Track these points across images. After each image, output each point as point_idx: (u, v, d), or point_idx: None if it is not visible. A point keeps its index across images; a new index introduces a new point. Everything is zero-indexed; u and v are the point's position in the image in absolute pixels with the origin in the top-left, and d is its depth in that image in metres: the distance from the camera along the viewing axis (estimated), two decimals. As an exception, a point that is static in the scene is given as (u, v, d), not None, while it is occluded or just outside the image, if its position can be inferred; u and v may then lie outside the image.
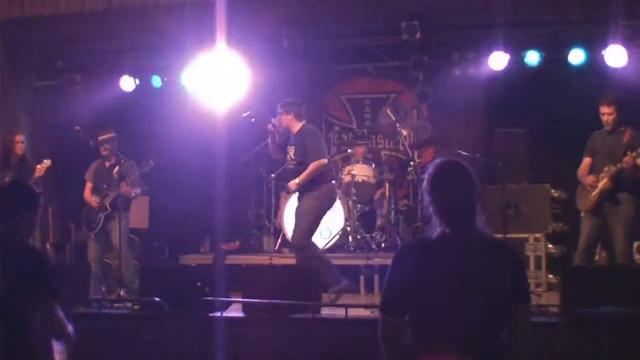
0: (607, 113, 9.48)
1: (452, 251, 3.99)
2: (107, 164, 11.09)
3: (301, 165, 9.94)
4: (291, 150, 10.10)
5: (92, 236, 10.95)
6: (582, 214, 9.62)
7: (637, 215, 9.41)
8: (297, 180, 9.85)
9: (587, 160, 9.68)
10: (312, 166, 9.79)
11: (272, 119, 10.10)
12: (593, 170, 9.58)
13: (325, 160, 9.90)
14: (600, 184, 9.41)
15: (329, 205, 10.17)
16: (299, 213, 9.93)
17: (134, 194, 11.01)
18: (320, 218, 9.98)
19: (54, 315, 4.71)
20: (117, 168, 10.84)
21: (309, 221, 9.83)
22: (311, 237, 9.94)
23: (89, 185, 11.19)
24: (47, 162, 11.09)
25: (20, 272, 4.70)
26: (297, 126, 10.07)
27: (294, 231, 10.01)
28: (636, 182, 9.34)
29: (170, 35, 12.18)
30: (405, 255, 4.23)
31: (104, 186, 10.98)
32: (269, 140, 10.27)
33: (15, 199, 5.05)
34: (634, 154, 9.18)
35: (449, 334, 3.91)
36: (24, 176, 10.85)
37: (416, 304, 4.00)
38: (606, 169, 9.40)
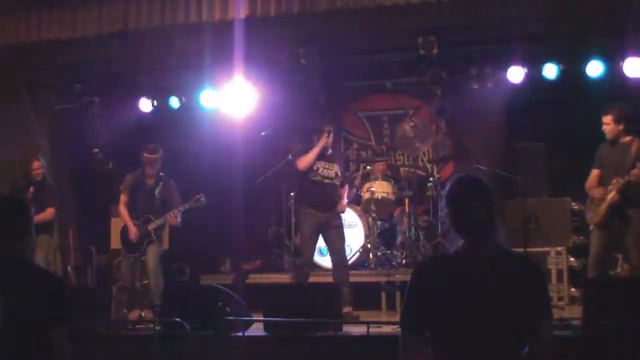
0: (604, 123, 9.40)
1: (470, 266, 3.96)
2: (149, 182, 10.82)
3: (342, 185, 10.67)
4: (334, 167, 10.44)
5: (130, 258, 10.80)
6: (591, 228, 9.50)
7: None
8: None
9: (595, 172, 9.53)
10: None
11: (331, 136, 10.41)
12: (602, 182, 9.43)
13: None
14: (609, 197, 9.21)
15: None
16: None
17: (179, 222, 10.84)
18: None
19: (65, 343, 4.62)
20: (157, 190, 10.75)
21: None
22: None
23: (122, 198, 10.84)
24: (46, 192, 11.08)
25: (39, 299, 4.58)
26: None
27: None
28: None
29: (187, 56, 12.23)
30: (424, 271, 4.20)
31: (147, 212, 10.69)
32: (316, 151, 10.35)
33: (19, 217, 4.77)
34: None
35: (469, 350, 3.88)
36: (44, 196, 10.98)
37: (436, 320, 3.97)
38: (614, 181, 9.21)
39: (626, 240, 9.20)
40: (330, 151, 10.51)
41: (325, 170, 10.36)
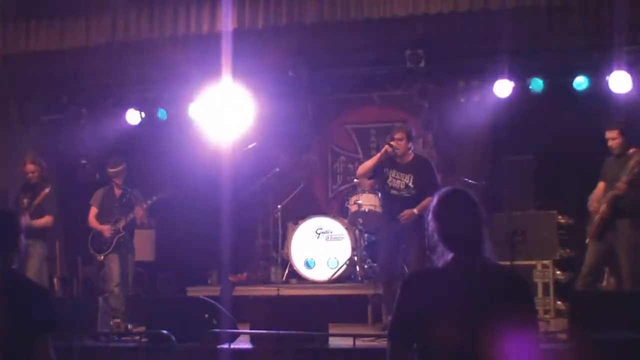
0: (610, 138, 9.39)
1: (458, 280, 3.98)
2: (118, 192, 11.25)
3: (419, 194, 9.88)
4: (405, 178, 10.03)
5: (103, 258, 11.08)
6: (587, 240, 9.54)
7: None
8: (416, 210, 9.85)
9: (600, 185, 9.54)
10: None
11: (392, 142, 9.94)
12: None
13: None
14: (600, 210, 9.29)
15: None
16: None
17: (146, 221, 11.20)
18: None
19: (49, 354, 4.62)
20: (125, 197, 11.08)
21: None
22: None
23: (93, 210, 11.32)
24: (46, 190, 11.10)
25: (25, 309, 4.58)
26: (411, 154, 10.13)
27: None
28: (636, 206, 9.22)
29: (175, 68, 12.23)
30: (413, 284, 4.22)
31: (116, 212, 11.11)
32: (374, 159, 10.13)
33: (5, 230, 4.80)
34: (624, 178, 9.09)
35: (456, 362, 3.90)
36: (38, 201, 10.95)
37: (424, 333, 3.99)
38: (608, 194, 9.28)
39: (618, 252, 9.25)
40: (406, 159, 10.06)
41: (394, 180, 9.99)
